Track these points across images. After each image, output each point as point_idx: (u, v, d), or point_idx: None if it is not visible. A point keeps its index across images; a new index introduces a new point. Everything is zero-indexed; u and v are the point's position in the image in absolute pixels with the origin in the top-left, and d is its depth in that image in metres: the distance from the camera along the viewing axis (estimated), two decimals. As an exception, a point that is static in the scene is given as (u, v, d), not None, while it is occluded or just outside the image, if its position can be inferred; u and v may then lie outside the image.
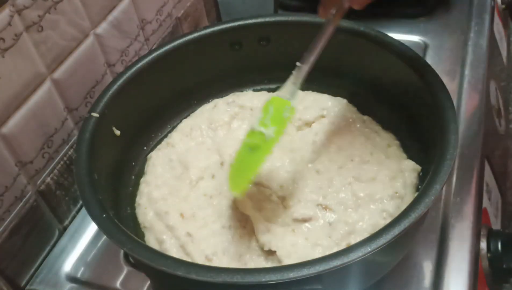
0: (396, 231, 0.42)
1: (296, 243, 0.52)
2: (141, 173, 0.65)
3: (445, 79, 0.55)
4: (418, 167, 0.57)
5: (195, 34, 0.66)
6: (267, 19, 0.67)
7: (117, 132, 0.60)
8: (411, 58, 0.58)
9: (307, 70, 0.54)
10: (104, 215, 0.48)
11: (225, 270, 0.43)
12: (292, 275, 0.40)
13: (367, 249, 0.41)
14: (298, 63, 0.54)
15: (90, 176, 0.52)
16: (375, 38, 0.61)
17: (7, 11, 0.54)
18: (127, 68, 0.62)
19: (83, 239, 0.65)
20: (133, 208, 0.61)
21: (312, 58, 0.54)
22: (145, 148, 0.68)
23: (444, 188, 0.63)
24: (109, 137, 0.59)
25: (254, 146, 0.53)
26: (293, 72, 0.55)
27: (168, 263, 0.43)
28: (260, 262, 0.52)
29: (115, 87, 0.60)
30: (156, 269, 0.44)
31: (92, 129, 0.56)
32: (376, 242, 0.42)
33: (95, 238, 0.65)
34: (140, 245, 0.46)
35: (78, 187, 0.51)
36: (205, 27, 0.64)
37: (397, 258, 0.53)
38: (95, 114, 0.57)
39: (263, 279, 0.41)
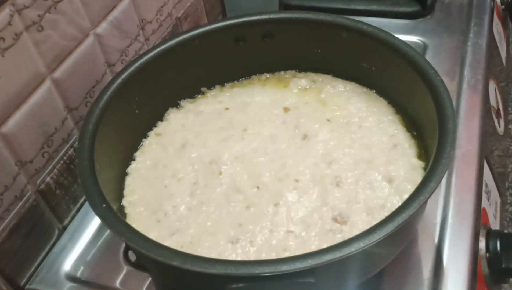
0: (389, 227, 0.43)
1: None
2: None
3: (444, 79, 0.55)
4: None
5: (201, 30, 0.65)
6: (272, 16, 0.67)
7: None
8: (411, 56, 0.58)
9: None
10: (104, 205, 0.49)
11: (219, 261, 0.44)
12: (285, 268, 0.42)
13: (360, 244, 0.42)
14: None
15: (92, 166, 0.52)
16: (376, 35, 0.61)
17: (7, 10, 0.54)
18: (132, 62, 0.62)
19: (82, 238, 0.65)
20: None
21: None
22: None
23: (443, 188, 0.63)
24: (111, 130, 0.59)
25: None
26: None
27: (164, 253, 0.44)
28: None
29: (119, 80, 0.60)
30: (153, 260, 0.45)
31: (95, 121, 0.56)
32: (369, 238, 0.43)
33: (95, 237, 0.65)
34: (138, 235, 0.46)
35: (80, 176, 0.51)
36: (211, 23, 0.64)
37: (392, 255, 0.53)
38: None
39: (257, 271, 0.43)
